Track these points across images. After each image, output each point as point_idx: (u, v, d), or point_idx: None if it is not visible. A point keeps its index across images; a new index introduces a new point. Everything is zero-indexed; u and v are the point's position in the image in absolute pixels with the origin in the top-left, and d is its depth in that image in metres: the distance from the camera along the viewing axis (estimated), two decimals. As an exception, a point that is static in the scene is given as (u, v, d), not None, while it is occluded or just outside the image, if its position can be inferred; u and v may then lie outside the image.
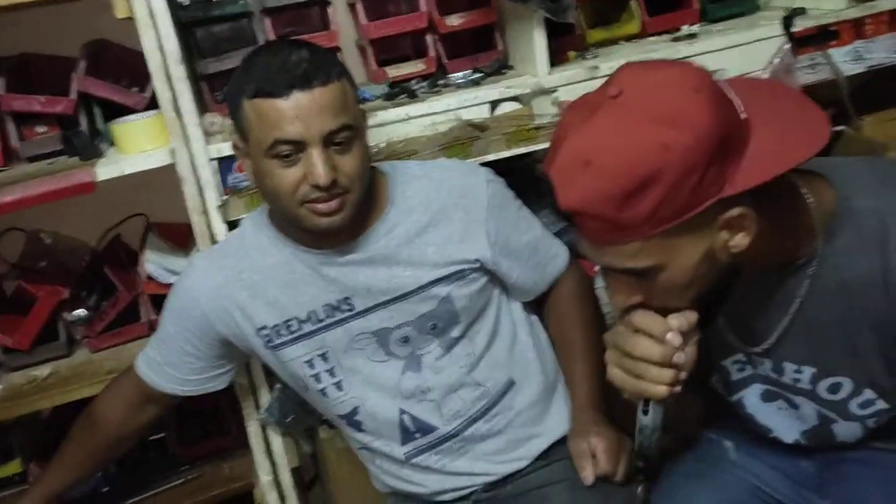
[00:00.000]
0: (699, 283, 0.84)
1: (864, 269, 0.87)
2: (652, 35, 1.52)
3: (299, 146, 1.00)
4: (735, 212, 0.79)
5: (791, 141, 0.80)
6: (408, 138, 1.32)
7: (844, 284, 0.89)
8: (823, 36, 1.46)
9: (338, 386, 1.17)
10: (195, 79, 1.34)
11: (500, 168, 1.25)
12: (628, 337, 0.88)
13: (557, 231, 1.45)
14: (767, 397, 1.05)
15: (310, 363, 1.16)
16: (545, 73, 1.36)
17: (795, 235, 0.88)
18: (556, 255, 1.26)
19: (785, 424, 1.05)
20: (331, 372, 1.16)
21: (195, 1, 1.32)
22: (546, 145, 1.40)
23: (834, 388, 0.97)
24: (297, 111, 0.98)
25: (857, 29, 1.48)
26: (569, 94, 1.37)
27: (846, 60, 1.50)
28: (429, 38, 1.42)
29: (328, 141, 1.00)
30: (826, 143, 0.80)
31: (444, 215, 1.14)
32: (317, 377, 1.17)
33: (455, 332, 1.16)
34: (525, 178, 1.67)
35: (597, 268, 1.05)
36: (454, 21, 1.40)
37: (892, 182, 0.91)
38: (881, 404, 0.96)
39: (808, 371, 0.97)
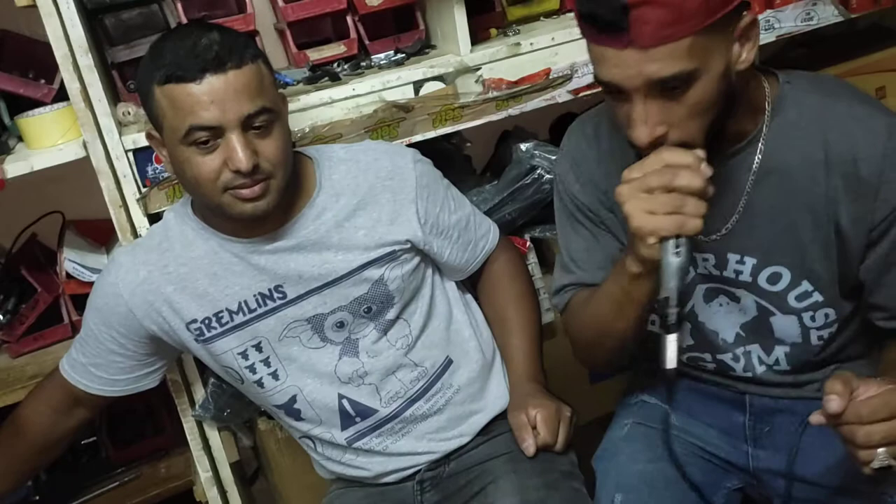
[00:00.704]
0: (718, 104, 0.87)
1: (805, 147, 0.94)
2: (570, 11, 1.54)
3: (217, 132, 0.97)
4: (748, 18, 0.86)
5: None
6: (332, 122, 1.30)
7: (787, 165, 0.95)
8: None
9: (274, 376, 1.15)
10: (105, 68, 1.29)
11: (427, 150, 1.25)
12: (663, 172, 0.86)
13: (487, 210, 1.47)
14: (709, 296, 1.08)
15: (243, 354, 1.14)
16: (467, 52, 1.36)
17: (750, 110, 0.95)
18: (487, 233, 1.27)
19: (726, 321, 1.07)
20: (266, 362, 1.15)
21: (101, -14, 1.26)
22: (472, 124, 1.41)
23: (773, 279, 1.01)
24: (211, 95, 0.95)
25: (766, -1, 1.52)
26: (492, 72, 1.38)
27: (757, 30, 1.54)
28: (349, 20, 1.40)
29: (247, 125, 0.98)
30: None
31: (372, 198, 1.13)
32: (252, 368, 1.15)
33: (390, 315, 1.16)
34: (453, 160, 1.69)
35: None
36: (374, 1, 1.38)
37: (830, 78, 1.02)
38: (817, 296, 1.01)
39: (749, 262, 1.02)
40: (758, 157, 0.96)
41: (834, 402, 0.80)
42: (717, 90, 0.85)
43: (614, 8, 0.80)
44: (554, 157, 1.49)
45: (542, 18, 1.52)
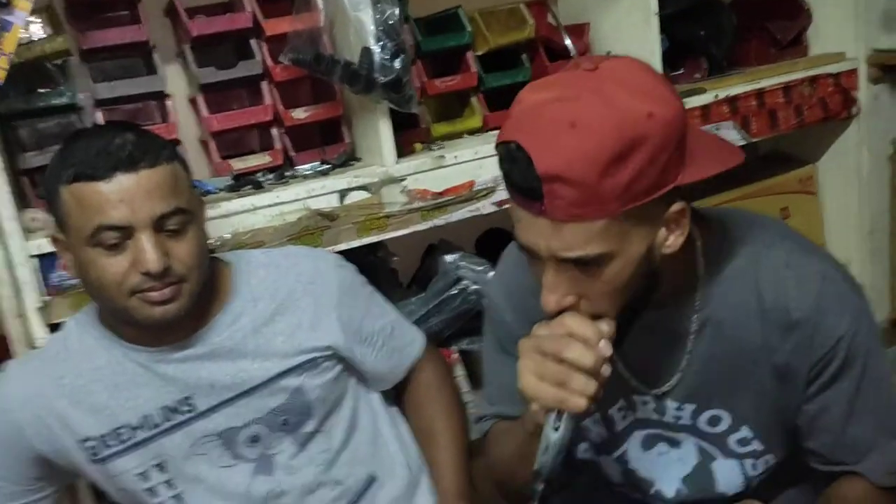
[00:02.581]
0: (632, 286, 0.83)
1: (741, 297, 0.92)
2: (493, 129, 1.59)
3: (126, 232, 0.92)
4: (678, 206, 0.80)
5: (721, 150, 0.86)
6: (254, 229, 1.27)
7: (724, 316, 0.93)
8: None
9: (177, 498, 1.05)
10: (15, 173, 1.24)
11: (353, 263, 1.22)
12: (558, 340, 0.81)
13: (414, 322, 1.44)
14: (648, 443, 1.03)
15: (144, 475, 1.03)
16: (392, 163, 1.37)
17: (687, 265, 0.91)
18: (413, 341, 1.23)
19: (666, 473, 1.03)
20: (169, 483, 1.04)
21: (17, 93, 1.24)
22: (398, 233, 1.40)
23: (714, 421, 0.98)
24: (121, 194, 0.91)
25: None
26: (417, 183, 1.39)
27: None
28: (274, 131, 1.40)
29: (159, 226, 0.94)
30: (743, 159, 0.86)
31: (292, 302, 1.09)
32: (152, 491, 1.04)
33: (309, 427, 1.09)
34: (379, 273, 1.66)
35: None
36: (300, 114, 1.39)
37: (761, 221, 0.97)
38: (757, 445, 0.98)
39: (688, 408, 0.98)
40: (696, 309, 0.93)
41: None
42: (634, 272, 0.81)
43: (529, 177, 0.75)
44: (479, 269, 1.49)
45: (465, 136, 1.56)
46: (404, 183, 1.38)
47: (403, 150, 1.43)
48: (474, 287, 1.47)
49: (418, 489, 1.17)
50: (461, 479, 1.16)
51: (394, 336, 1.19)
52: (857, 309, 0.91)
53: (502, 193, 1.45)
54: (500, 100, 1.59)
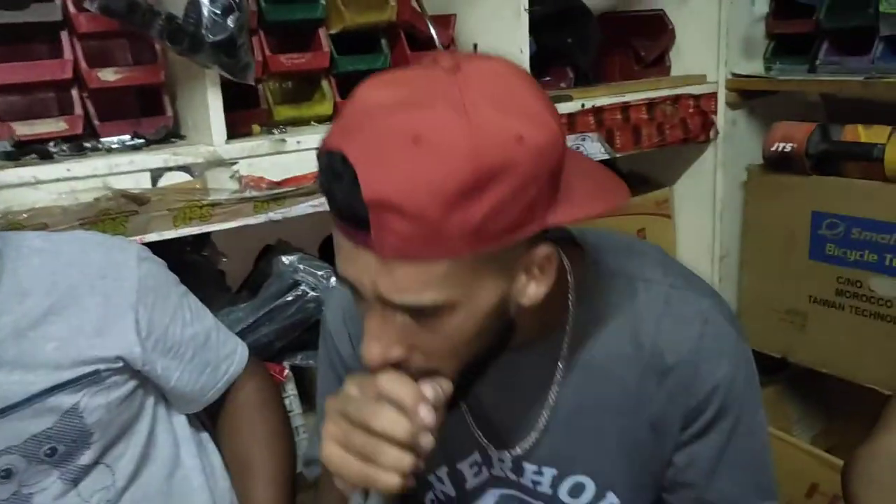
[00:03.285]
0: (482, 340, 0.67)
1: (614, 339, 0.79)
2: (345, 118, 1.42)
3: None
4: (545, 250, 0.66)
5: (605, 183, 0.72)
6: (35, 208, 1.02)
7: (595, 362, 0.80)
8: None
9: None
10: None
11: (171, 261, 1.00)
12: (367, 404, 0.66)
13: (240, 332, 1.23)
14: None
15: None
16: (222, 142, 1.16)
17: (554, 303, 0.77)
18: (232, 354, 1.02)
19: None
20: None
21: None
22: (224, 225, 1.19)
23: (576, 491, 0.85)
24: None
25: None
26: (251, 169, 1.19)
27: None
28: (74, 94, 1.15)
29: None
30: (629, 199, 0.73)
31: (73, 300, 0.86)
32: None
33: (85, 459, 0.86)
34: (203, 274, 1.44)
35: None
36: (109, 76, 1.15)
37: (640, 249, 0.86)
38: None
39: (548, 473, 0.84)
40: (562, 354, 0.80)
41: None
42: (481, 327, 0.66)
43: (354, 201, 0.58)
44: (320, 273, 1.31)
45: (312, 123, 1.38)
46: (235, 167, 1.17)
47: (238, 131, 1.23)
48: (313, 294, 1.29)
49: (226, 534, 0.97)
50: (280, 521, 0.97)
51: (208, 347, 0.98)
52: (737, 355, 0.81)
53: (351, 189, 1.28)
54: (354, 86, 1.43)
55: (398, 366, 0.67)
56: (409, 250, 0.59)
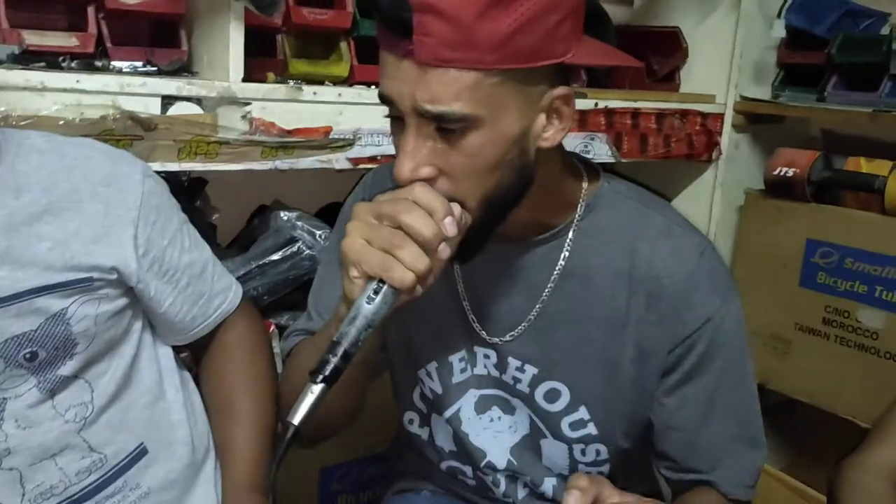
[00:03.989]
0: (503, 171, 0.73)
1: (613, 254, 0.84)
2: (359, 83, 1.39)
3: None
4: (562, 90, 0.74)
5: (617, 51, 0.86)
6: (38, 115, 0.97)
7: (591, 271, 0.85)
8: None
9: None
10: None
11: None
12: (399, 203, 0.71)
13: (236, 279, 1.18)
14: (481, 407, 0.95)
15: None
16: (238, 80, 1.13)
17: (564, 200, 0.85)
18: (227, 290, 0.98)
19: (496, 441, 0.95)
20: None
21: None
22: (230, 166, 1.15)
23: (551, 397, 0.89)
24: None
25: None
26: (264, 112, 1.15)
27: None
28: (90, 12, 1.11)
29: None
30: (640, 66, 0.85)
31: (73, 203, 0.81)
32: None
33: (65, 370, 0.81)
34: (195, 225, 1.39)
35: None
36: (129, -1, 1.12)
37: (648, 192, 0.92)
38: (591, 429, 0.89)
39: (529, 371, 0.88)
40: (563, 256, 0.86)
41: (573, 499, 0.70)
42: (504, 154, 0.73)
43: (400, 4, 0.67)
44: (318, 233, 1.27)
45: (327, 83, 1.35)
46: (248, 108, 1.14)
47: (253, 76, 1.19)
48: (309, 252, 1.25)
49: (200, 475, 0.93)
50: (256, 465, 0.92)
51: (203, 279, 0.94)
52: (730, 293, 0.85)
53: (360, 150, 1.25)
54: (373, 52, 1.40)
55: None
56: (445, 54, 0.67)
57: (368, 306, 0.70)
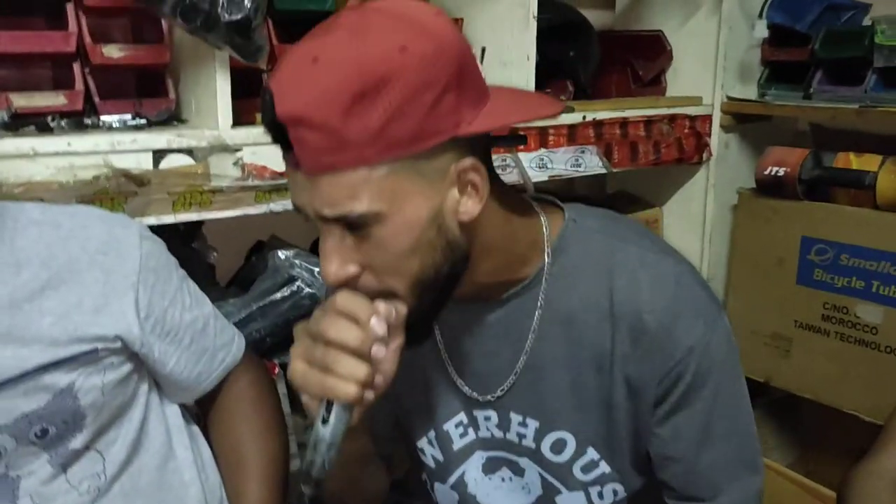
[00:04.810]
0: (423, 255, 0.72)
1: (590, 292, 0.83)
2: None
3: None
4: (467, 162, 0.71)
5: (529, 103, 0.81)
6: (31, 182, 0.97)
7: (571, 313, 0.83)
8: (515, 139, 1.47)
9: None
10: None
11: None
12: (326, 317, 0.71)
13: (233, 324, 1.19)
14: (490, 467, 0.93)
15: None
16: (227, 127, 1.13)
17: (526, 251, 0.83)
18: (230, 343, 0.98)
19: (510, 500, 0.93)
20: None
21: None
22: (225, 213, 1.15)
23: (558, 447, 0.88)
24: None
25: (542, 137, 1.51)
26: (255, 157, 1.16)
27: (531, 167, 1.51)
28: (76, 69, 1.11)
29: None
30: (559, 112, 0.80)
31: (72, 275, 0.82)
32: None
33: (76, 443, 0.81)
34: (193, 266, 1.39)
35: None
36: (113, 52, 1.11)
37: (614, 215, 0.91)
38: (604, 467, 0.88)
39: (532, 424, 0.87)
40: (539, 304, 0.84)
41: None
42: (417, 238, 0.71)
43: (274, 122, 0.66)
44: (318, 270, 1.27)
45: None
46: (239, 154, 1.14)
47: (242, 119, 1.20)
48: (308, 290, 1.25)
49: (216, 530, 0.93)
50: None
51: (206, 334, 0.95)
52: (713, 315, 0.83)
53: (353, 185, 1.26)
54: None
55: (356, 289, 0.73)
56: (325, 159, 0.66)
57: (325, 428, 0.70)
